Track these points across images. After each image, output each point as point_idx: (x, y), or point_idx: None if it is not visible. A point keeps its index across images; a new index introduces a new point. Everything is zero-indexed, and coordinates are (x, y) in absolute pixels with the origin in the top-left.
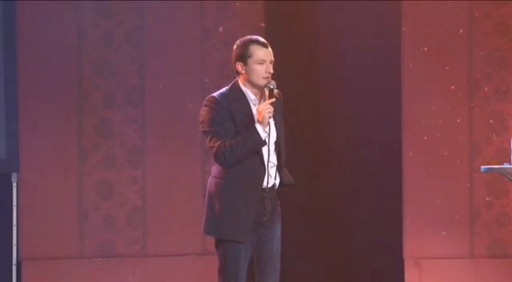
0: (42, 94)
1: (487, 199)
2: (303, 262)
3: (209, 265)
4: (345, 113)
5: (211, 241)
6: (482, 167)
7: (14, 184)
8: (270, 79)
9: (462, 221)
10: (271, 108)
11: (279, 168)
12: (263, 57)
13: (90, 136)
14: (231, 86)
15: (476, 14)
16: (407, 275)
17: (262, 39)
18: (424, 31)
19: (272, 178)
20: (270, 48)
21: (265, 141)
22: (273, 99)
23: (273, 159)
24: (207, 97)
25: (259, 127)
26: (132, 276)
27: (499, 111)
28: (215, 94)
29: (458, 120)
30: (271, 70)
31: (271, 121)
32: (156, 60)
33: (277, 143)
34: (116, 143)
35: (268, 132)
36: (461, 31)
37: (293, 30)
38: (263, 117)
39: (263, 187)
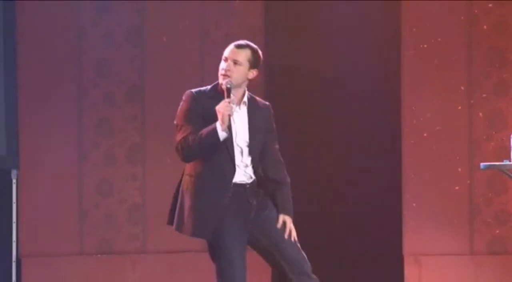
0: (42, 92)
1: (487, 195)
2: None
3: (209, 262)
4: (344, 111)
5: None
6: (481, 163)
7: (14, 181)
8: (227, 77)
9: (462, 218)
10: (230, 108)
11: (257, 168)
12: (225, 54)
13: (90, 134)
14: (213, 84)
15: (476, 12)
16: (407, 272)
17: (240, 41)
18: (424, 29)
19: (247, 176)
20: (243, 50)
21: (223, 139)
22: (231, 99)
23: (246, 159)
24: (186, 91)
25: (218, 125)
26: (132, 273)
27: (498, 109)
28: (194, 90)
29: (458, 117)
30: (228, 68)
31: (245, 123)
32: (156, 59)
33: (249, 145)
34: (116, 141)
35: (229, 131)
36: (461, 28)
37: (293, 29)
38: (222, 115)
39: (242, 183)
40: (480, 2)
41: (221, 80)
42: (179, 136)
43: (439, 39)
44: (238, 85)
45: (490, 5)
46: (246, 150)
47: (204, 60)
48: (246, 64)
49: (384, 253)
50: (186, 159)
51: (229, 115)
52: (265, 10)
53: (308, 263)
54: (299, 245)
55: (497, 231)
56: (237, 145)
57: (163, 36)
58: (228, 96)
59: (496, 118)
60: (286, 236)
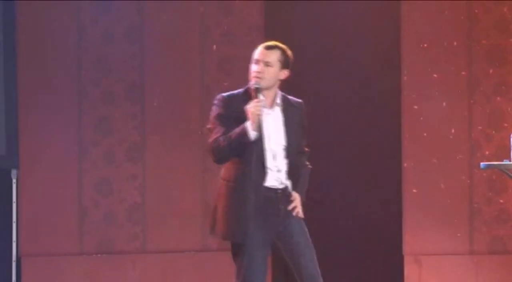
0: (42, 91)
1: (487, 195)
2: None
3: (209, 261)
4: (344, 110)
5: (210, 237)
6: (481, 163)
7: (14, 181)
8: (259, 79)
9: (462, 217)
10: (260, 108)
11: (292, 174)
12: (256, 57)
13: (90, 133)
14: (244, 88)
15: (476, 11)
16: (407, 272)
17: (269, 43)
18: (424, 28)
19: (279, 181)
20: (273, 51)
21: (253, 138)
22: (260, 99)
23: (280, 164)
24: (217, 95)
25: (248, 125)
26: (132, 272)
27: (499, 108)
28: (226, 93)
29: (458, 117)
30: (260, 70)
31: (280, 126)
32: (155, 57)
33: (287, 149)
34: (115, 139)
35: (259, 132)
36: (461, 28)
37: (292, 28)
38: (252, 115)
39: (274, 188)
40: (480, 2)
41: (252, 82)
42: (211, 139)
43: (439, 39)
44: (270, 87)
45: (490, 3)
46: (281, 154)
47: (204, 58)
48: (277, 65)
49: (384, 253)
50: (218, 160)
51: (259, 115)
52: (265, 9)
53: (321, 279)
54: (315, 258)
55: (497, 231)
56: (270, 149)
57: (163, 35)
58: (257, 97)
59: (496, 117)
60: (290, 208)
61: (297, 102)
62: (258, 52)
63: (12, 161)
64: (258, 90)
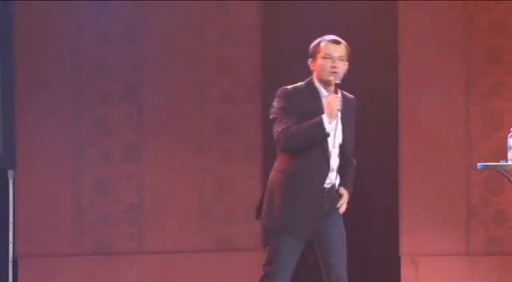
0: (39, 91)
1: (484, 196)
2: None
3: (205, 262)
4: None
5: (207, 238)
6: (478, 164)
7: (11, 181)
8: (337, 74)
9: (459, 218)
10: (339, 101)
11: (340, 171)
12: (328, 52)
13: (87, 133)
14: (306, 82)
15: (473, 11)
16: (404, 272)
17: (334, 37)
18: (421, 29)
19: (331, 180)
20: (342, 46)
21: (328, 133)
22: (338, 94)
23: (335, 162)
24: (280, 88)
25: (325, 118)
26: (129, 273)
27: (496, 108)
28: (289, 86)
29: (455, 117)
30: (337, 65)
31: (339, 124)
32: (152, 57)
33: (342, 147)
34: (112, 139)
35: (334, 126)
36: (458, 28)
37: (289, 28)
38: (331, 109)
39: (324, 187)
40: (477, 2)
41: (331, 77)
42: (279, 127)
43: (437, 39)
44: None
45: (487, 3)
46: (335, 153)
47: (201, 58)
48: (346, 60)
49: (381, 254)
50: (286, 148)
51: (338, 110)
52: (261, 8)
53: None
54: (345, 262)
55: (494, 232)
56: (333, 147)
57: (160, 35)
58: (336, 92)
59: (493, 118)
60: (338, 205)
61: (351, 98)
62: (327, 47)
63: (9, 161)
64: (338, 85)
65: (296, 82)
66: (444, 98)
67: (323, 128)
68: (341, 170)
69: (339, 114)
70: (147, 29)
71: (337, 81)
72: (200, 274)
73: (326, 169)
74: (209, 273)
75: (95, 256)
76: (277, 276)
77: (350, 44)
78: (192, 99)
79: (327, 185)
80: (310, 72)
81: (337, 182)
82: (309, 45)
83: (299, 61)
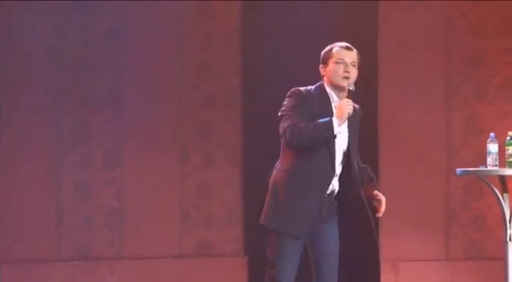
0: (20, 95)
1: (463, 201)
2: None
3: (186, 267)
4: None
5: (187, 243)
6: (458, 169)
7: None
8: (349, 80)
9: (438, 223)
10: (351, 106)
11: (343, 179)
12: (341, 57)
13: (67, 137)
14: (316, 86)
15: (453, 15)
16: (384, 278)
17: (346, 44)
18: (401, 33)
19: (333, 186)
20: (354, 52)
21: (335, 135)
22: (350, 93)
23: (338, 169)
24: (292, 89)
25: (335, 120)
26: (109, 278)
27: (476, 113)
28: (301, 88)
29: (435, 122)
30: (350, 70)
31: (346, 131)
32: (133, 61)
33: (347, 155)
34: (92, 144)
35: (340, 130)
36: (438, 32)
37: (270, 29)
38: (342, 112)
39: (328, 192)
40: (457, 4)
41: (344, 82)
42: (287, 123)
43: (417, 43)
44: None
45: (467, 7)
46: (340, 160)
47: (182, 61)
48: (357, 66)
49: (361, 259)
50: (292, 143)
51: (349, 114)
52: (242, 10)
53: None
54: (336, 268)
55: (473, 237)
56: (338, 153)
57: (142, 37)
58: (349, 98)
59: (473, 123)
60: (380, 209)
61: (357, 107)
62: (340, 52)
63: None
64: (351, 92)
65: (278, 83)
66: (424, 103)
67: (332, 129)
68: (361, 174)
69: (346, 121)
70: (128, 32)
71: (351, 88)
72: (181, 279)
73: (331, 174)
74: (189, 278)
75: (75, 261)
76: (281, 278)
77: (330, 44)
78: (173, 104)
79: (328, 190)
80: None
81: (337, 188)
82: (289, 45)
83: (279, 61)
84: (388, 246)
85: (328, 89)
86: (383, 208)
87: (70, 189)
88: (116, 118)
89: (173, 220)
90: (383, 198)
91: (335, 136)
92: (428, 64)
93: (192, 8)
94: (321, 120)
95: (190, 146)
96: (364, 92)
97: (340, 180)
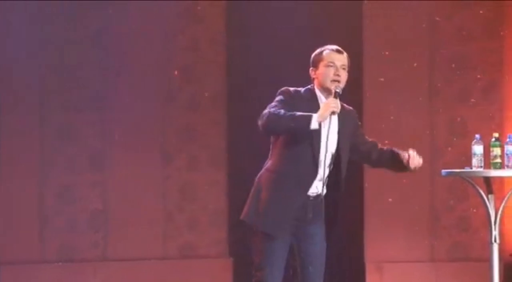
0: (4, 98)
1: (448, 202)
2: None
3: (170, 269)
4: None
5: (171, 245)
6: (442, 170)
7: None
8: (339, 83)
9: (423, 225)
10: (337, 106)
11: (333, 181)
12: (332, 60)
13: (52, 140)
14: (306, 88)
15: (437, 18)
16: (368, 279)
17: (337, 47)
18: (385, 34)
19: (318, 189)
20: (344, 55)
21: (312, 128)
22: (336, 96)
23: (324, 172)
24: (282, 88)
25: (315, 116)
26: (93, 280)
27: (460, 115)
28: (291, 88)
29: (419, 124)
30: (340, 74)
31: (333, 134)
32: (118, 64)
33: (336, 156)
34: (77, 147)
35: (325, 133)
36: (423, 33)
37: (255, 31)
38: (325, 110)
39: (308, 194)
40: (442, 8)
41: (332, 85)
42: (270, 108)
43: (401, 45)
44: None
45: (452, 9)
46: (326, 163)
47: (167, 63)
48: (347, 70)
49: (346, 260)
50: (268, 127)
51: (332, 113)
52: (227, 13)
53: None
54: (323, 271)
55: (458, 238)
56: (324, 156)
57: (126, 40)
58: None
59: (457, 125)
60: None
61: (351, 110)
62: (330, 55)
63: None
64: (338, 94)
65: (261, 88)
66: (409, 105)
67: (309, 123)
68: (378, 154)
69: (335, 125)
70: (113, 34)
71: (338, 90)
72: (165, 281)
73: (313, 174)
74: (173, 280)
75: (60, 263)
76: (268, 280)
77: (315, 44)
78: (157, 106)
79: (312, 193)
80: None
81: (324, 192)
82: (274, 47)
83: (265, 63)
84: (373, 247)
85: (318, 92)
86: (415, 160)
87: (55, 191)
88: (100, 121)
89: (157, 222)
90: (409, 154)
91: (309, 130)
92: (413, 66)
93: (176, 10)
94: (302, 113)
95: (174, 148)
96: (349, 94)
97: (329, 183)
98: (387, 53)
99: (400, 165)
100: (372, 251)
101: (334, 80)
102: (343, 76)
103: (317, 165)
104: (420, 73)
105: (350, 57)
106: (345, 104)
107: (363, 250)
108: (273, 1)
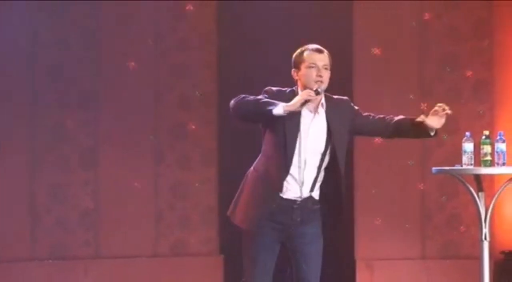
0: None
1: (439, 200)
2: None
3: (161, 267)
4: None
5: (162, 243)
6: (433, 168)
7: None
8: (322, 83)
9: (414, 223)
10: (310, 96)
11: (330, 182)
12: (313, 61)
13: (43, 138)
14: (291, 89)
15: (427, 16)
16: (359, 277)
17: (317, 46)
18: (376, 33)
19: (301, 193)
20: (325, 54)
21: (275, 114)
22: (315, 94)
23: (308, 175)
24: (266, 88)
25: (283, 104)
26: (85, 278)
27: (450, 113)
28: (274, 88)
29: None
30: (322, 74)
31: (316, 132)
32: (109, 64)
33: (329, 154)
34: (68, 146)
35: (297, 128)
36: (413, 32)
37: (245, 32)
38: (296, 100)
39: (287, 197)
40: (432, 7)
41: (314, 86)
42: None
43: (392, 44)
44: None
45: (441, 8)
46: (314, 165)
47: (158, 63)
48: (329, 68)
49: (336, 258)
50: (234, 109)
51: (304, 102)
52: (217, 13)
53: None
54: (318, 270)
55: (449, 236)
56: (300, 160)
57: (117, 39)
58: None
59: (448, 122)
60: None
61: (342, 100)
62: (311, 56)
63: None
64: (318, 93)
65: (253, 85)
66: (399, 103)
67: (273, 108)
68: (392, 128)
69: (319, 125)
70: (103, 34)
71: (319, 90)
72: (156, 279)
73: (283, 176)
74: (165, 277)
75: (51, 261)
76: (252, 280)
77: (306, 44)
78: (148, 105)
79: (295, 197)
80: (262, 79)
81: (315, 194)
82: (264, 47)
83: (254, 63)
84: (364, 245)
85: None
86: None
87: (46, 189)
88: (91, 119)
89: (148, 220)
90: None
91: (271, 115)
92: (403, 64)
93: (167, 10)
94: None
95: (165, 147)
96: (339, 93)
97: (328, 185)
98: (377, 51)
99: (418, 130)
100: (363, 248)
101: (318, 82)
102: (325, 76)
103: (288, 166)
104: (411, 71)
105: (341, 55)
106: (335, 96)
107: (354, 248)
108: (264, 0)
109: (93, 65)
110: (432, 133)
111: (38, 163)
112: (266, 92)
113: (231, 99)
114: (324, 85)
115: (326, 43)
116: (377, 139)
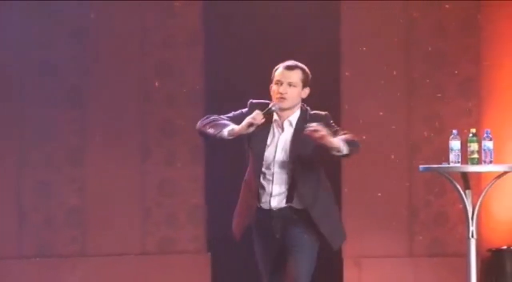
0: None
1: (426, 198)
2: (239, 261)
3: (148, 265)
4: None
5: (150, 241)
6: (420, 166)
7: None
8: (283, 99)
9: (401, 220)
10: (256, 119)
11: (301, 195)
12: (279, 78)
13: (30, 136)
14: (273, 103)
15: (415, 15)
16: (347, 274)
17: (290, 63)
18: (363, 31)
19: (277, 203)
20: (296, 71)
21: (218, 136)
22: (266, 114)
23: (278, 188)
24: (249, 101)
25: (233, 127)
26: (72, 275)
27: (437, 111)
28: (255, 101)
29: (397, 120)
30: (282, 91)
31: (282, 146)
32: (96, 60)
33: (299, 167)
34: (55, 143)
35: (264, 140)
36: (399, 31)
37: (232, 30)
38: (245, 122)
39: (265, 207)
40: (419, 4)
41: (271, 104)
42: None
43: (379, 43)
44: (293, 106)
45: (429, 7)
46: (282, 178)
47: (144, 61)
48: (300, 85)
49: (324, 256)
50: (198, 131)
51: (249, 125)
52: (204, 11)
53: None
54: (305, 263)
55: (436, 233)
56: (269, 170)
57: (104, 37)
58: (267, 114)
59: (435, 120)
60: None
61: (318, 115)
62: (279, 72)
63: None
64: (270, 111)
65: (240, 84)
66: (386, 101)
67: (220, 131)
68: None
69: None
70: (90, 31)
71: (274, 108)
72: (144, 276)
73: (256, 186)
74: (152, 275)
75: (38, 259)
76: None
77: (292, 45)
78: (135, 103)
79: (274, 207)
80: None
81: (296, 204)
82: (251, 46)
83: (241, 62)
84: (351, 243)
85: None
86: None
87: (33, 187)
88: (78, 117)
89: (135, 217)
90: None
91: (219, 136)
92: (390, 63)
93: (153, 8)
94: (228, 123)
95: (152, 144)
96: (327, 91)
97: (308, 194)
98: (364, 49)
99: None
100: (350, 246)
101: (279, 98)
102: (290, 93)
103: (259, 176)
104: (398, 69)
105: (328, 55)
106: (313, 112)
107: (341, 246)
108: (250, 0)
109: (80, 63)
110: (338, 154)
111: (25, 161)
112: (248, 105)
113: (218, 96)
114: (287, 103)
115: (313, 43)
116: (365, 137)
